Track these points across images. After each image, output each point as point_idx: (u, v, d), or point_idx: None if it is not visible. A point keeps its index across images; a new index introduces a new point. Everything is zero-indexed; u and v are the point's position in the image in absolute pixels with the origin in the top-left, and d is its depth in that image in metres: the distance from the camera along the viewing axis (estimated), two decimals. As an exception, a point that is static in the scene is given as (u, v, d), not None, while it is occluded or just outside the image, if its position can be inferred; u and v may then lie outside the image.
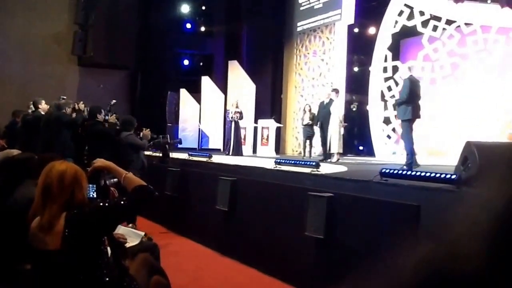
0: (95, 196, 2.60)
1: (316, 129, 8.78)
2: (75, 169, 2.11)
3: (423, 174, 3.87)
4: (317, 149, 9.91)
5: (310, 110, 9.08)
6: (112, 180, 2.84)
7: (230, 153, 9.32)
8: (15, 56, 11.77)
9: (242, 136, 10.07)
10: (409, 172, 4.15)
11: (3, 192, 2.74)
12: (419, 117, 5.97)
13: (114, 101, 7.07)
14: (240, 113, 9.70)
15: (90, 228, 2.03)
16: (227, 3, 14.06)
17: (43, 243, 2.00)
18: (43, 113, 6.94)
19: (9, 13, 11.71)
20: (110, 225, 2.26)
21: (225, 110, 10.66)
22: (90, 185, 2.48)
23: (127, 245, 3.01)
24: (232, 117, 9.66)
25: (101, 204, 2.17)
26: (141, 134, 6.19)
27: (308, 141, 9.10)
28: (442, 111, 9.10)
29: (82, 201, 2.07)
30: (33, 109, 7.07)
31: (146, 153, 7.51)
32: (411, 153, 5.80)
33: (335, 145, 7.75)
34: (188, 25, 14.44)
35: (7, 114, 8.61)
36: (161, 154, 7.47)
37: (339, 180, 4.53)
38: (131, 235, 3.23)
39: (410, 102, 5.75)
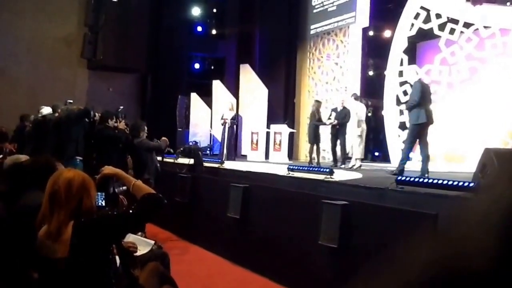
0: (104, 204, 2.56)
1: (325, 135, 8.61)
2: (83, 176, 2.08)
3: (440, 182, 3.79)
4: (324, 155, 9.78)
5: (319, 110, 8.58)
6: (121, 187, 2.80)
7: (224, 159, 8.51)
8: (24, 58, 11.75)
9: (255, 141, 10.00)
10: (425, 180, 4.06)
11: (11, 198, 2.71)
12: (432, 122, 5.70)
13: (121, 107, 7.03)
14: (234, 117, 9.60)
15: (98, 237, 2.01)
16: (239, 5, 13.99)
17: (50, 251, 1.98)
18: None
19: (19, 15, 11.69)
20: (118, 233, 2.28)
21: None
22: (99, 193, 2.44)
23: (137, 253, 2.96)
24: (224, 123, 9.55)
25: (110, 212, 2.18)
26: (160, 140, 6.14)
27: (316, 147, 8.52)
28: (459, 116, 8.88)
29: (90, 209, 2.04)
30: (43, 113, 7.08)
31: (179, 161, 7.18)
32: (406, 159, 5.66)
33: (356, 151, 7.59)
34: (199, 28, 14.39)
35: (15, 116, 8.59)
36: (192, 162, 6.82)
37: (353, 187, 4.43)
38: (141, 244, 3.17)
39: (422, 106, 5.49)
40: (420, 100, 5.47)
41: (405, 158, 5.70)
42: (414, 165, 7.55)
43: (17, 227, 2.42)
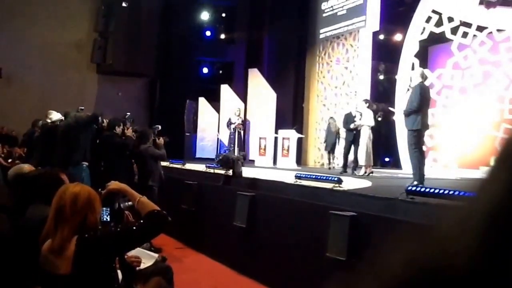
0: (109, 219, 2.52)
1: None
2: (89, 192, 2.08)
3: (451, 192, 3.68)
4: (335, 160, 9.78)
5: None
6: (126, 203, 2.75)
7: None
8: (34, 63, 11.85)
9: (263, 147, 9.93)
10: (436, 190, 3.94)
11: (16, 211, 2.69)
12: (427, 128, 5.49)
13: (128, 113, 7.00)
14: (243, 122, 9.53)
15: (101, 253, 2.00)
16: (248, 9, 13.98)
17: (53, 266, 1.98)
18: None
19: (30, 21, 11.80)
20: (121, 250, 2.28)
21: (230, 121, 10.31)
22: (104, 208, 2.41)
23: (140, 267, 2.91)
24: (235, 128, 9.46)
25: (113, 228, 2.16)
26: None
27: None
28: (473, 121, 8.71)
29: (94, 224, 2.05)
30: (52, 119, 7.06)
31: (214, 170, 6.83)
32: (420, 167, 5.24)
33: (365, 158, 7.45)
34: (208, 33, 14.39)
35: (26, 121, 8.65)
36: (229, 172, 6.10)
37: (362, 197, 4.32)
38: (144, 256, 3.12)
39: (420, 111, 5.22)
40: (419, 106, 5.23)
41: (419, 166, 5.27)
42: (428, 172, 7.40)
43: (22, 242, 2.40)
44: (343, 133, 8.85)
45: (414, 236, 0.43)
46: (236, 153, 6.20)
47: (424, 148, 5.54)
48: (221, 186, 6.15)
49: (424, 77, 5.56)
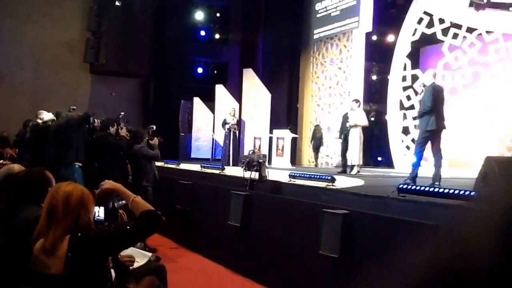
0: (102, 217, 2.54)
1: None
2: (82, 191, 2.06)
3: (441, 190, 3.77)
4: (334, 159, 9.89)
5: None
6: (120, 202, 2.78)
7: (225, 165, 8.33)
8: (27, 63, 11.77)
9: (257, 147, 9.97)
10: (427, 188, 4.03)
11: (8, 211, 2.69)
12: (444, 128, 5.42)
13: (122, 113, 6.96)
14: (238, 122, 9.60)
15: (94, 253, 1.98)
16: (242, 10, 14.02)
17: (45, 266, 1.96)
18: None
19: (22, 20, 11.71)
20: (114, 250, 2.24)
21: (225, 121, 10.28)
22: (98, 207, 2.42)
23: (133, 266, 2.93)
24: (230, 128, 9.52)
25: (106, 228, 2.14)
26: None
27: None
28: (463, 120, 8.83)
29: (87, 224, 2.02)
30: (44, 119, 6.98)
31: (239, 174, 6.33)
32: (417, 165, 5.33)
33: (356, 157, 7.55)
34: (202, 32, 14.40)
35: (18, 121, 8.57)
36: (256, 175, 5.54)
37: (355, 195, 4.39)
38: (137, 256, 3.14)
39: (433, 112, 5.22)
40: (432, 106, 5.24)
41: (417, 164, 5.38)
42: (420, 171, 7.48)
43: (14, 243, 2.40)
44: (326, 138, 10.12)
45: (436, 237, 0.44)
46: (260, 155, 5.82)
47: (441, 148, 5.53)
48: (215, 185, 6.18)
49: (435, 77, 5.59)
